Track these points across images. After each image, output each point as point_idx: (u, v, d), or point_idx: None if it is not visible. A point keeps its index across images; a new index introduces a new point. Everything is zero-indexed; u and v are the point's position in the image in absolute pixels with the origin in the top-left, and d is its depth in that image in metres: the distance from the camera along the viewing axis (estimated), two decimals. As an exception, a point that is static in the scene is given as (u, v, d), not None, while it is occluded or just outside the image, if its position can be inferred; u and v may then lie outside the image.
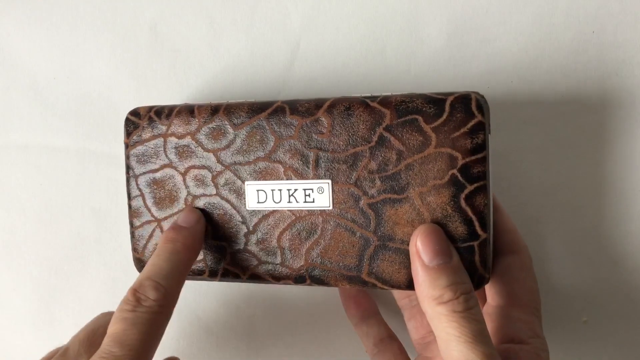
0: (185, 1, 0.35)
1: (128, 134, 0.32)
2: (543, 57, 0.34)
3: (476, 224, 0.26)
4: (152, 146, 0.31)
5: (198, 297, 0.37)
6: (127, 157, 0.32)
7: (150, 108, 0.31)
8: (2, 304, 0.39)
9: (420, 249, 0.26)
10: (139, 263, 0.32)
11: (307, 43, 0.35)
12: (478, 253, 0.27)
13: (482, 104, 0.26)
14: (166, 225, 0.31)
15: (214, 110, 0.30)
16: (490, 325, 0.28)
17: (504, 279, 0.28)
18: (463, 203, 0.26)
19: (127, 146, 0.32)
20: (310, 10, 0.35)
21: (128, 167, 0.32)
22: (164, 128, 0.31)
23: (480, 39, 0.34)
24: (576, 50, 0.34)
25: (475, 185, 0.26)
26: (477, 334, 0.24)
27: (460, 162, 0.26)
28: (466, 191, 0.26)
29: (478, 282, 0.27)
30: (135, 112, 0.32)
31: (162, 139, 0.31)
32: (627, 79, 0.34)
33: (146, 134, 0.31)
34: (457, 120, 0.26)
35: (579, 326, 0.35)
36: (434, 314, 0.25)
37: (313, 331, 0.37)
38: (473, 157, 0.26)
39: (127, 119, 0.32)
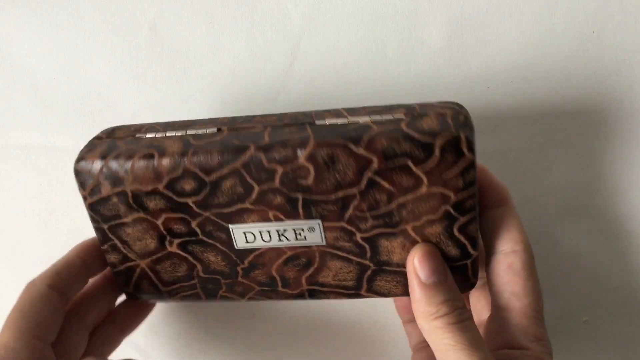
0: (185, 1, 0.35)
1: (83, 185, 0.28)
2: (543, 57, 0.34)
3: (468, 246, 0.27)
4: (116, 198, 0.28)
5: (198, 297, 0.37)
6: (89, 207, 0.29)
7: (101, 158, 0.27)
8: (2, 304, 0.39)
9: (418, 267, 0.27)
10: (130, 296, 0.32)
11: (307, 43, 0.35)
12: (470, 268, 0.28)
13: (471, 141, 0.25)
14: (151, 265, 0.30)
15: (177, 163, 0.26)
16: (491, 331, 0.28)
17: (505, 279, 0.28)
18: (456, 232, 0.27)
19: (85, 198, 0.28)
20: (310, 10, 0.35)
21: (92, 217, 0.29)
22: (124, 180, 0.27)
23: (480, 39, 0.34)
24: (576, 50, 0.34)
25: (468, 216, 0.26)
26: (473, 341, 0.25)
27: (453, 200, 0.26)
28: (459, 223, 0.26)
29: (468, 289, 0.29)
30: (85, 165, 0.28)
31: (125, 190, 0.27)
32: (627, 79, 0.34)
33: (105, 186, 0.28)
34: (447, 161, 0.25)
35: (579, 326, 0.35)
36: (430, 328, 0.26)
37: (313, 331, 0.37)
38: (465, 193, 0.26)
39: (76, 171, 0.28)
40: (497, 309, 0.28)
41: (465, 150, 0.25)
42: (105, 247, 0.30)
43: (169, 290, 0.31)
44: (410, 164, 0.25)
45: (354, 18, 0.34)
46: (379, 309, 0.36)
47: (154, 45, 0.35)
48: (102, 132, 0.30)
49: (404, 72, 0.34)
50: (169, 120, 0.30)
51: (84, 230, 0.37)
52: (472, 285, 0.29)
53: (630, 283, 0.34)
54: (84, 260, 0.31)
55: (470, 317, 0.26)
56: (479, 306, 0.32)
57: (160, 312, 0.37)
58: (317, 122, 0.26)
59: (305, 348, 0.37)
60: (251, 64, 0.35)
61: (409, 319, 0.34)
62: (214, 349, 0.37)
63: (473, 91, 0.34)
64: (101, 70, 0.36)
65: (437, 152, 0.25)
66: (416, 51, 0.34)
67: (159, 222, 0.28)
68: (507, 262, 0.28)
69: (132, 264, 0.30)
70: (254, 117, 0.28)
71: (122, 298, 0.33)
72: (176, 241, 0.29)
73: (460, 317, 0.26)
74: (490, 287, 0.29)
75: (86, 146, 0.29)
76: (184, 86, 0.35)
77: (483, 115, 0.34)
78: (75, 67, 0.36)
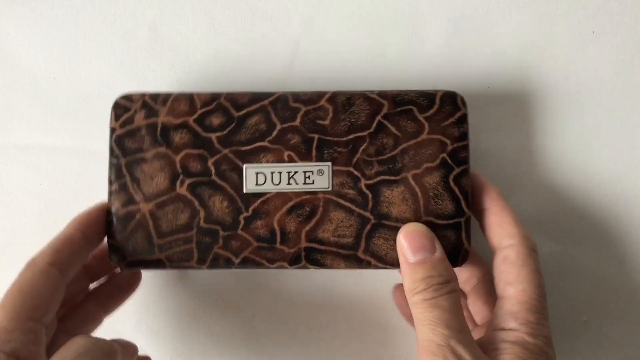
0: (185, 1, 0.35)
1: (117, 117, 0.30)
2: (543, 57, 0.34)
3: (462, 202, 0.30)
4: (145, 129, 0.30)
5: (198, 297, 0.37)
6: (114, 140, 0.30)
7: (143, 93, 0.31)
8: (2, 304, 0.39)
9: (404, 245, 0.29)
10: (115, 251, 0.30)
11: (307, 43, 0.35)
12: (464, 229, 0.30)
13: (464, 101, 0.30)
14: (154, 210, 0.30)
15: (215, 96, 0.31)
16: (492, 319, 0.28)
17: (500, 270, 0.28)
18: (452, 183, 0.30)
19: (113, 130, 0.30)
20: (310, 10, 0.35)
21: (113, 151, 0.30)
22: (159, 111, 0.30)
23: (480, 39, 0.34)
24: (576, 51, 0.34)
25: (461, 168, 0.30)
26: (439, 318, 0.26)
27: (449, 147, 0.30)
28: (454, 173, 0.30)
29: (463, 257, 0.30)
30: (126, 97, 0.31)
31: (157, 122, 0.30)
32: (627, 79, 0.34)
33: (139, 117, 0.30)
34: (446, 111, 0.30)
35: (579, 326, 0.35)
36: (411, 304, 0.27)
37: (313, 332, 0.37)
38: (459, 144, 0.30)
39: (116, 103, 0.31)
40: (498, 299, 0.29)
41: (460, 104, 0.30)
42: (113, 186, 0.31)
43: (161, 244, 0.30)
44: (415, 110, 0.30)
45: (354, 18, 0.34)
46: (379, 310, 0.36)
47: (154, 45, 0.35)
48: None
49: (404, 72, 0.34)
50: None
51: (83, 230, 0.37)
52: (466, 253, 0.30)
53: (630, 283, 0.34)
54: (85, 234, 0.30)
55: (450, 293, 0.27)
56: (475, 307, 0.32)
57: (160, 312, 0.37)
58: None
59: (305, 349, 0.37)
60: (251, 64, 0.35)
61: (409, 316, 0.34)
62: (214, 349, 0.37)
63: (473, 91, 0.34)
64: (101, 70, 0.36)
65: (437, 101, 0.30)
66: (416, 51, 0.34)
67: (178, 158, 0.30)
68: (502, 255, 0.29)
69: (133, 207, 0.30)
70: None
71: (103, 279, 0.33)
72: (187, 181, 0.30)
73: (434, 294, 0.27)
74: (494, 282, 0.29)
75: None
76: (183, 86, 0.35)
77: (483, 116, 0.34)
78: (75, 67, 0.36)
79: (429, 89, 0.31)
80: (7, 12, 0.36)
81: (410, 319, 0.34)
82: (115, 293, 0.33)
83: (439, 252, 0.28)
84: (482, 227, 0.30)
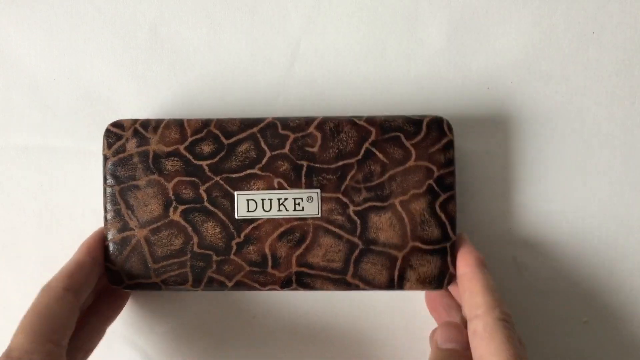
0: (185, 2, 0.35)
1: (109, 145, 0.31)
2: (543, 57, 0.34)
3: (448, 227, 0.30)
4: (137, 157, 0.31)
5: (198, 298, 0.37)
6: (107, 168, 0.31)
7: (134, 120, 0.31)
8: (2, 304, 0.39)
9: (438, 331, 0.29)
10: (113, 275, 0.31)
11: (307, 44, 0.35)
12: (450, 253, 0.30)
13: (451, 126, 0.31)
14: (148, 235, 0.31)
15: (205, 123, 0.31)
16: None
17: (473, 344, 0.28)
18: (438, 209, 0.30)
19: (106, 158, 0.31)
20: (310, 11, 0.35)
21: (106, 179, 0.31)
22: (150, 139, 0.31)
23: (480, 39, 0.34)
24: (576, 51, 0.34)
25: (448, 194, 0.30)
26: None
27: (436, 174, 0.30)
28: (440, 199, 0.30)
29: (449, 280, 0.31)
30: (117, 124, 0.31)
31: (148, 150, 0.31)
32: (627, 80, 0.34)
33: (130, 145, 0.31)
34: (432, 137, 0.30)
35: (579, 326, 0.35)
36: None
37: (313, 332, 0.37)
38: (446, 170, 0.30)
39: (107, 130, 0.31)
40: None
41: (446, 130, 0.30)
42: (108, 213, 0.31)
43: (157, 269, 0.31)
44: (402, 137, 0.30)
45: (353, 19, 0.34)
46: (378, 311, 0.36)
47: (154, 46, 0.35)
48: None
49: (403, 72, 0.34)
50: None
51: (84, 230, 0.37)
52: (451, 276, 0.30)
53: (630, 283, 0.35)
54: (94, 258, 0.31)
55: None
56: None
57: (160, 313, 0.37)
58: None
59: (306, 349, 0.37)
60: (251, 65, 0.35)
61: None
62: (215, 349, 0.37)
63: (473, 92, 0.34)
64: (101, 71, 0.36)
65: (424, 127, 0.30)
66: (416, 52, 0.34)
67: (170, 185, 0.31)
68: (472, 329, 0.28)
69: (129, 233, 0.31)
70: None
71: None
72: (180, 208, 0.31)
73: None
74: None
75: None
76: (184, 86, 0.35)
77: (483, 116, 0.34)
78: (75, 68, 0.36)
79: (417, 114, 0.31)
80: (7, 12, 0.36)
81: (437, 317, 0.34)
82: (113, 301, 0.34)
83: (466, 351, 0.28)
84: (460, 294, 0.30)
